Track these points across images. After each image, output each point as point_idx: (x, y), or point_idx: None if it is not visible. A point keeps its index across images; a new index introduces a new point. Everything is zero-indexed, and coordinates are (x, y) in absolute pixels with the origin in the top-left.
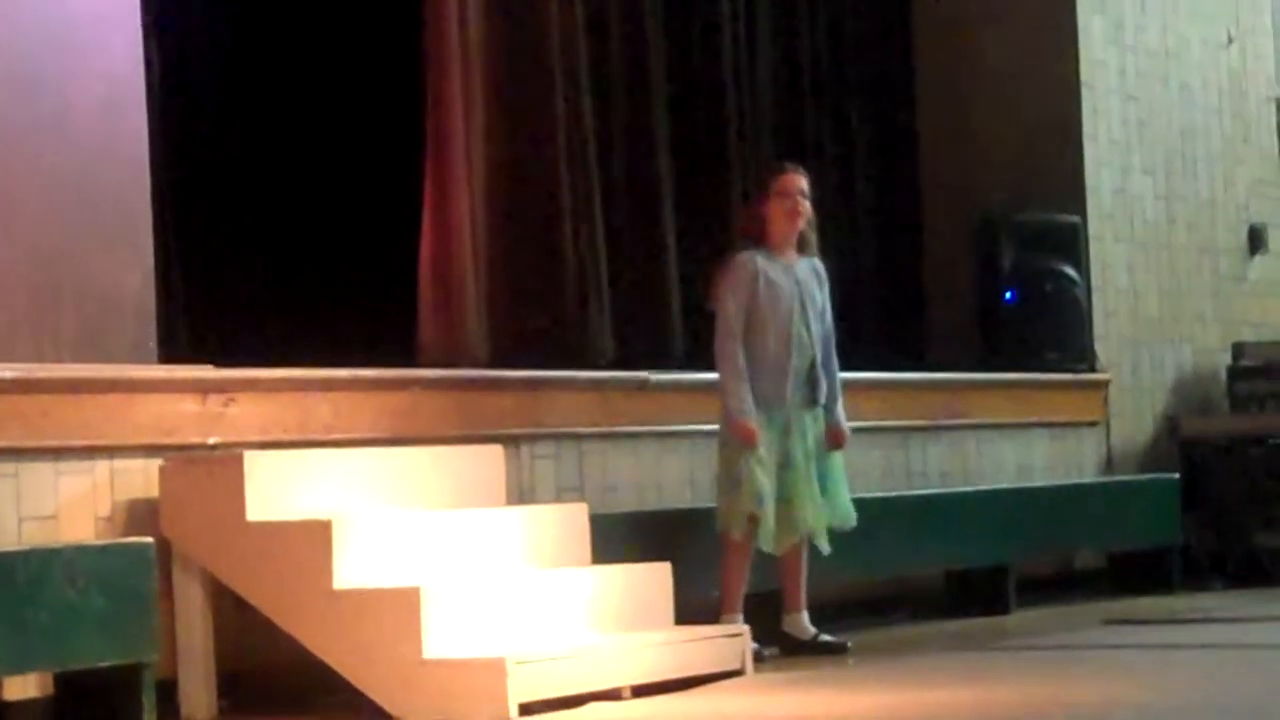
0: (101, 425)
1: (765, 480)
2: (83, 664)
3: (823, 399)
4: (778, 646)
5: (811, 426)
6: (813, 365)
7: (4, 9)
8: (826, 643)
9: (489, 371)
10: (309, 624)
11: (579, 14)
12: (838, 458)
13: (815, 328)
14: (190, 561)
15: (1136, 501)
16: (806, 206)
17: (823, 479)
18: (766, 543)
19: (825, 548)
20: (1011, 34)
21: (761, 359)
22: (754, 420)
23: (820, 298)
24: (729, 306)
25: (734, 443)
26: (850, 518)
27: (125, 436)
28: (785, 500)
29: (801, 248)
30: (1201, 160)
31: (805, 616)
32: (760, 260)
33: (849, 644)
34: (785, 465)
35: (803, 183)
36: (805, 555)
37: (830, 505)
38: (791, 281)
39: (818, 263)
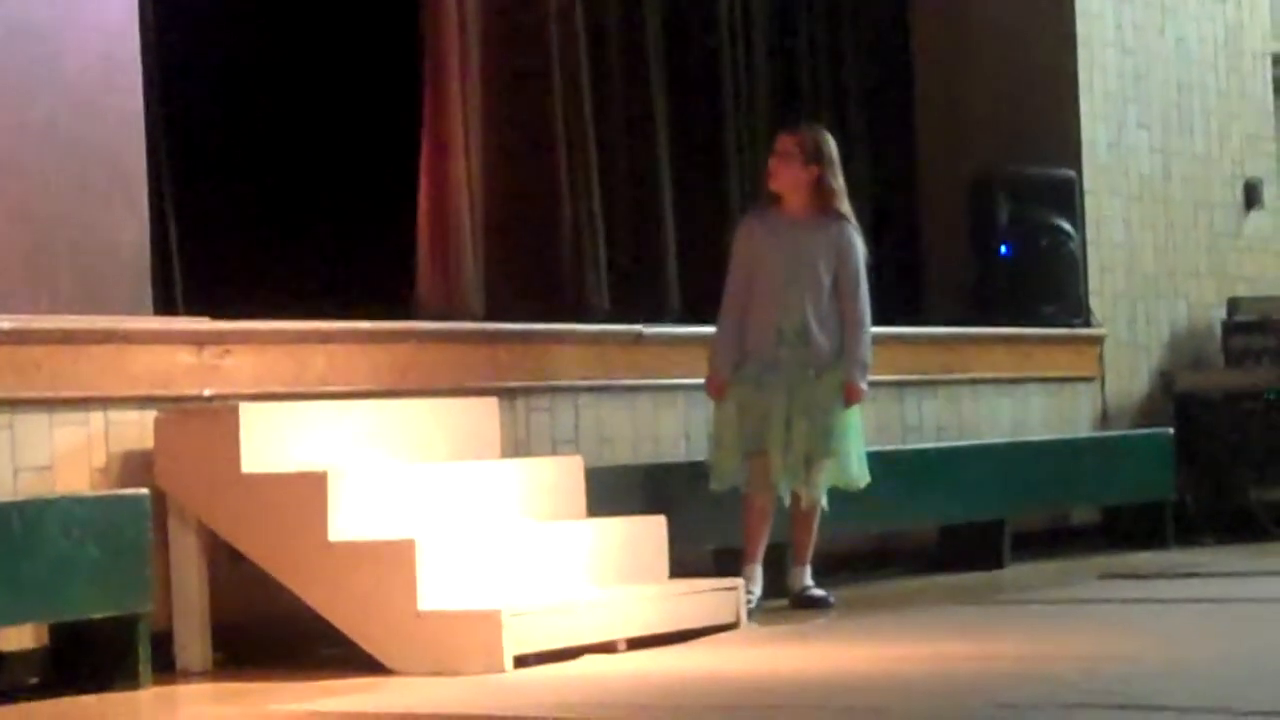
0: (97, 377)
1: (730, 431)
2: (77, 615)
3: (821, 359)
4: (758, 599)
5: (810, 385)
6: (804, 327)
7: None
8: (810, 597)
9: (485, 324)
10: (304, 576)
11: None
12: (850, 416)
13: (809, 290)
14: (185, 513)
15: (1131, 456)
16: (783, 165)
17: (827, 436)
18: (716, 481)
19: (785, 499)
20: None
21: (754, 317)
22: (721, 375)
23: (829, 261)
24: (731, 266)
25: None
26: (853, 478)
27: (120, 388)
28: (761, 453)
29: (822, 210)
30: (1197, 114)
31: (803, 571)
32: (759, 221)
33: (831, 598)
34: (763, 420)
35: (784, 144)
36: (817, 512)
37: (836, 462)
38: (785, 243)
39: (842, 227)
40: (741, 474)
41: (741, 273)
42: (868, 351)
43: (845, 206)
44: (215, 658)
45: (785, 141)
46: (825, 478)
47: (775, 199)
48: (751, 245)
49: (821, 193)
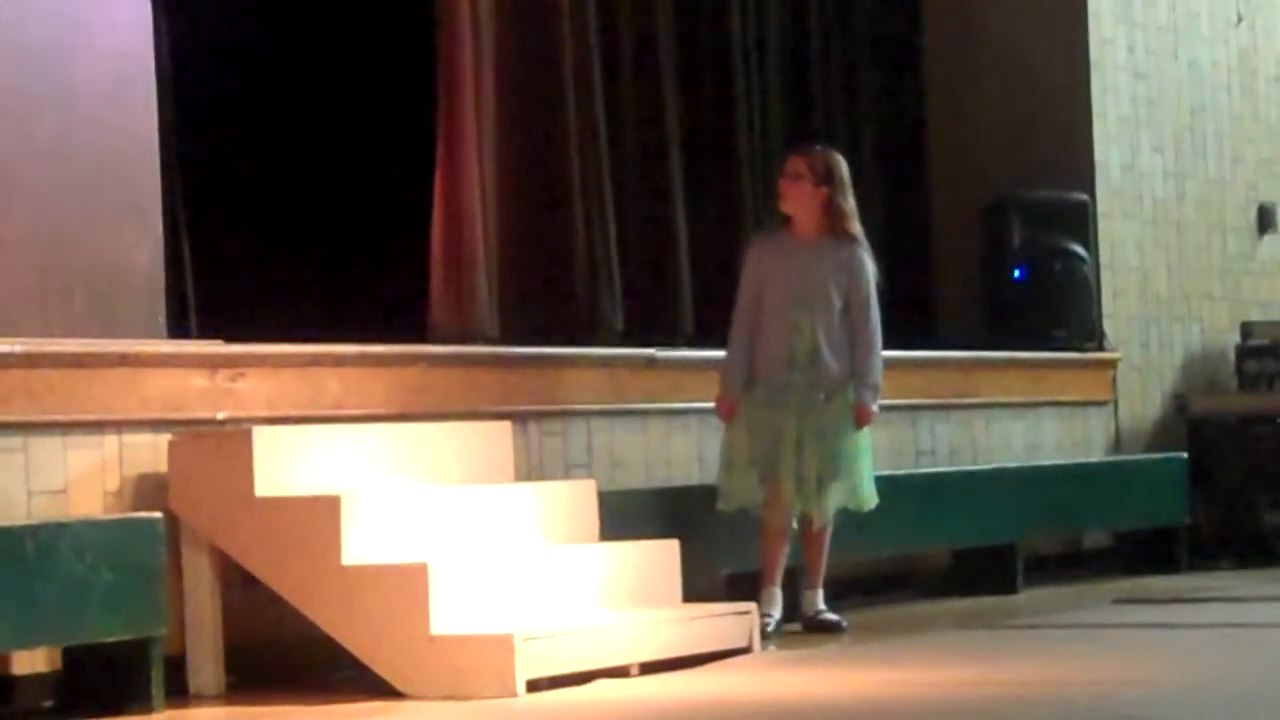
0: (110, 400)
1: (741, 453)
2: (91, 638)
3: (831, 382)
4: (796, 622)
5: (820, 408)
6: (814, 349)
7: None
8: (823, 621)
9: (498, 348)
10: (317, 600)
11: None
12: (860, 438)
13: (819, 312)
14: (199, 536)
15: (1144, 481)
16: (794, 187)
17: (840, 458)
18: (725, 502)
19: (795, 521)
20: (1020, 11)
21: (764, 338)
22: (732, 396)
23: (839, 283)
24: (741, 287)
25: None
26: (863, 500)
27: (134, 411)
28: (774, 476)
29: (833, 232)
30: (1210, 138)
31: (816, 595)
32: (769, 242)
33: (844, 623)
34: (773, 443)
35: (795, 165)
36: (828, 535)
37: (846, 485)
38: (795, 265)
39: (853, 249)
40: (752, 495)
41: (751, 294)
42: (878, 374)
43: (856, 228)
44: (228, 681)
45: (795, 163)
46: (835, 500)
47: (785, 220)
48: (761, 267)
49: (832, 214)
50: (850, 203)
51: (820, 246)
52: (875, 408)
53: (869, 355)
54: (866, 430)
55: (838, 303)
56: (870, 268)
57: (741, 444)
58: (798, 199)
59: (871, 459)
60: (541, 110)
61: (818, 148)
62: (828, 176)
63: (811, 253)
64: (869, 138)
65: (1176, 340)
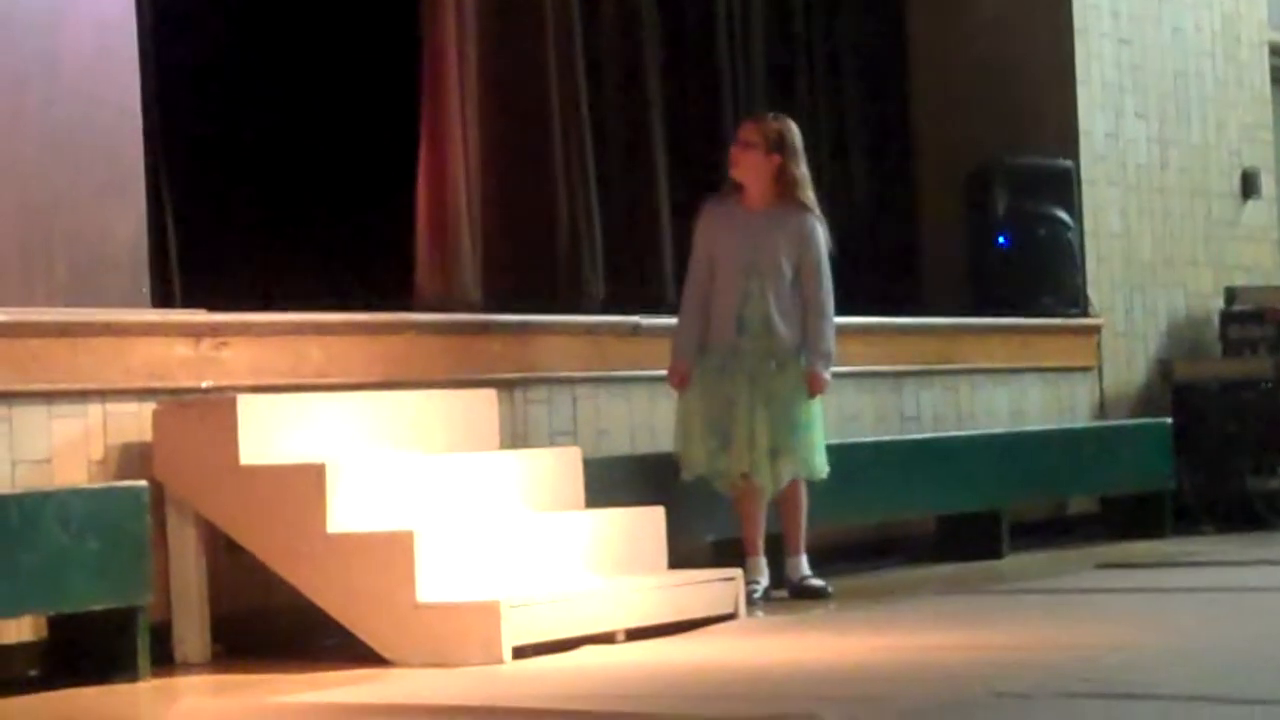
0: (94, 369)
1: (696, 422)
2: (76, 607)
3: (783, 350)
4: (764, 588)
5: (772, 377)
6: (766, 317)
7: None
8: (808, 586)
9: (482, 316)
10: (303, 567)
11: None
12: (813, 406)
13: (770, 280)
14: (184, 505)
15: (1129, 446)
16: (745, 154)
17: (792, 427)
18: (687, 472)
19: (768, 492)
20: None
21: (716, 306)
22: (684, 363)
23: (790, 251)
24: (694, 252)
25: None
26: (814, 469)
27: (118, 380)
28: (725, 444)
29: (784, 200)
30: (1194, 104)
31: (800, 561)
32: (719, 208)
33: (830, 588)
34: (726, 409)
35: (747, 132)
36: (803, 500)
37: (798, 454)
38: (746, 233)
39: (804, 217)
40: (711, 464)
41: (703, 261)
42: (830, 342)
43: (808, 196)
44: (214, 649)
45: (747, 130)
46: (787, 470)
47: (737, 187)
48: (712, 234)
49: (783, 182)
50: (802, 170)
51: (771, 215)
52: (828, 375)
53: (821, 323)
54: (819, 399)
55: (789, 271)
56: (822, 236)
57: (696, 412)
58: (749, 166)
59: (824, 427)
60: (525, 78)
61: (770, 115)
62: (779, 144)
63: (763, 221)
64: (853, 105)
65: (1161, 306)
